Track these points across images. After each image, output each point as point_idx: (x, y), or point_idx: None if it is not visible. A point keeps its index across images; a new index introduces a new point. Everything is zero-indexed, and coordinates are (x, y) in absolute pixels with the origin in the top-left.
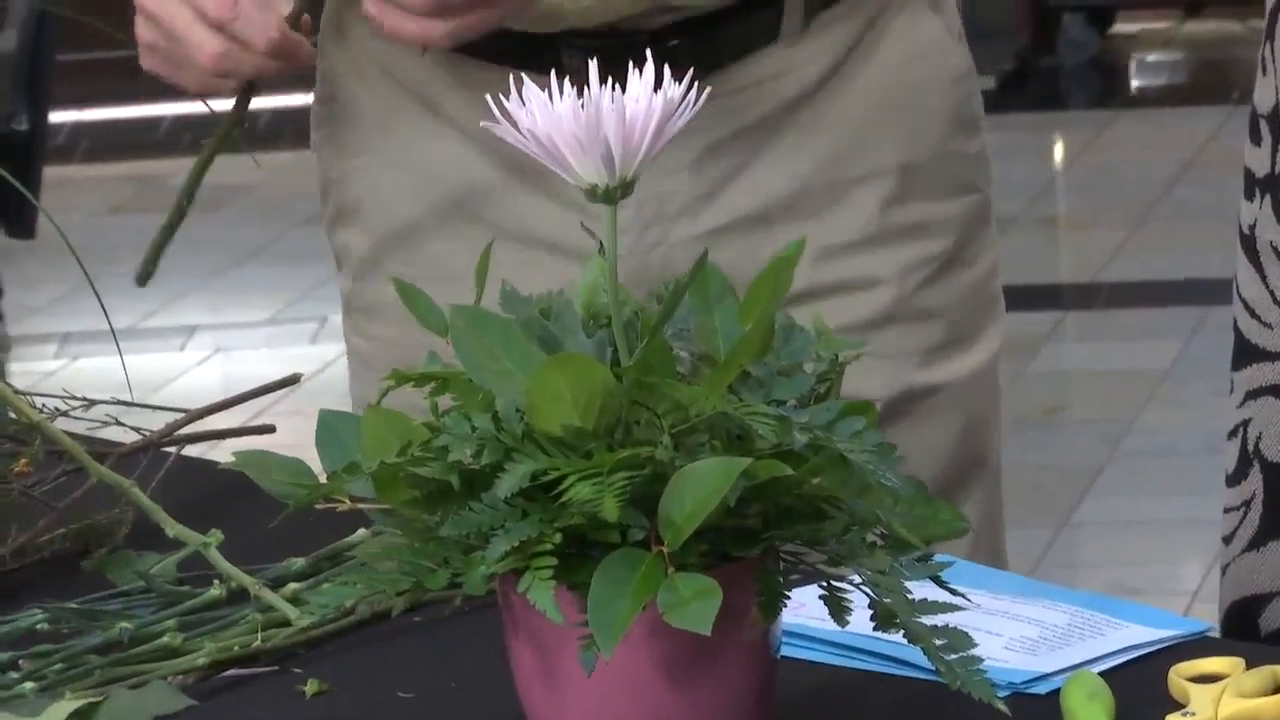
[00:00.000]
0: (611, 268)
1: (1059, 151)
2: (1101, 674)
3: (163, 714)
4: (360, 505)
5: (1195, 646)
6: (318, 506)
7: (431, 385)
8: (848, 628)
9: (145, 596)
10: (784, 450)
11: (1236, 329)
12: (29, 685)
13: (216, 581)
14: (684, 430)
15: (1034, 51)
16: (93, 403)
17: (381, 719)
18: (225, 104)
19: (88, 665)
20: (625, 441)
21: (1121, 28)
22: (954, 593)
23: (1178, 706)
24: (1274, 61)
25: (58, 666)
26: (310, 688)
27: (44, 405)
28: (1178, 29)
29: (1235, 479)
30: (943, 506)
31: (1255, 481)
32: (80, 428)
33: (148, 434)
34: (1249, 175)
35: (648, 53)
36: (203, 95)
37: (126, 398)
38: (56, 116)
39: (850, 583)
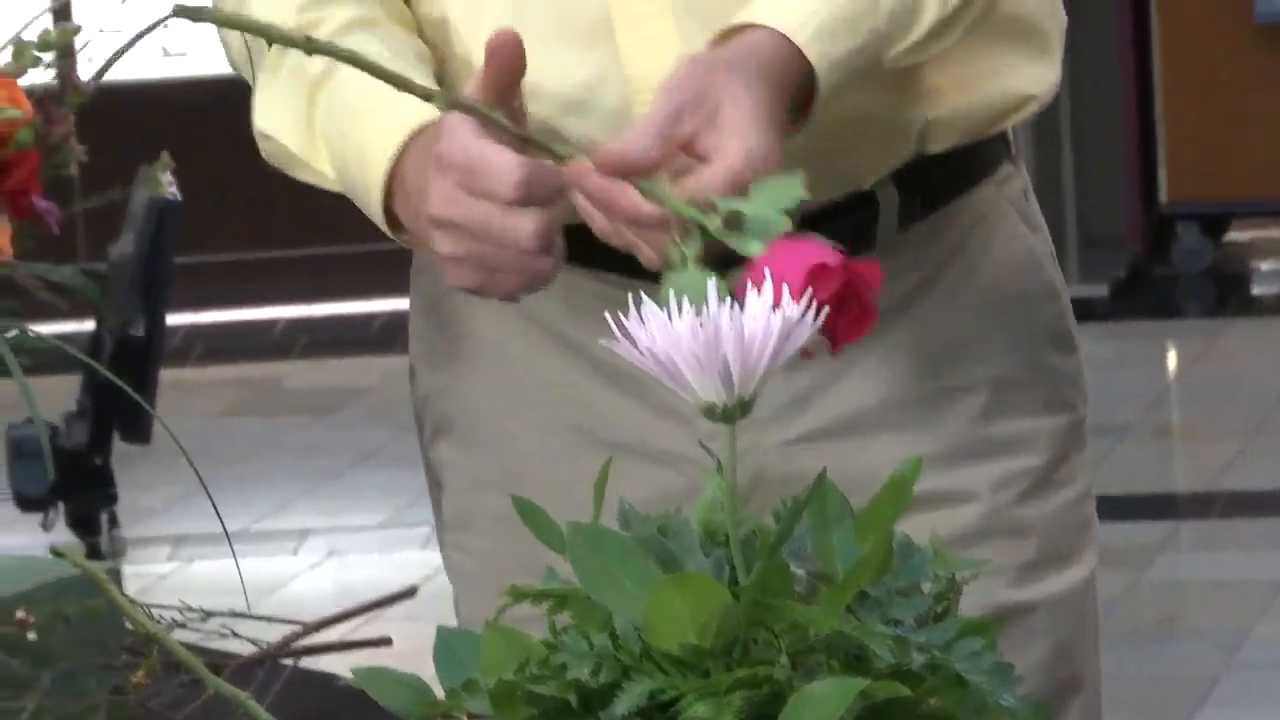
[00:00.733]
0: (730, 486)
1: (1173, 360)
2: None
3: None
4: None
5: None
6: None
7: (549, 603)
8: None
9: None
10: (901, 670)
11: None
12: None
13: None
14: (801, 650)
15: (1148, 260)
16: (209, 614)
17: None
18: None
19: None
20: (743, 661)
21: (1236, 236)
22: None
23: None
24: None
25: None
26: None
27: (160, 616)
28: None
29: None
30: None
31: None
32: (195, 635)
33: (264, 645)
34: None
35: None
36: (528, 290)
37: (241, 601)
38: (172, 319)
39: None
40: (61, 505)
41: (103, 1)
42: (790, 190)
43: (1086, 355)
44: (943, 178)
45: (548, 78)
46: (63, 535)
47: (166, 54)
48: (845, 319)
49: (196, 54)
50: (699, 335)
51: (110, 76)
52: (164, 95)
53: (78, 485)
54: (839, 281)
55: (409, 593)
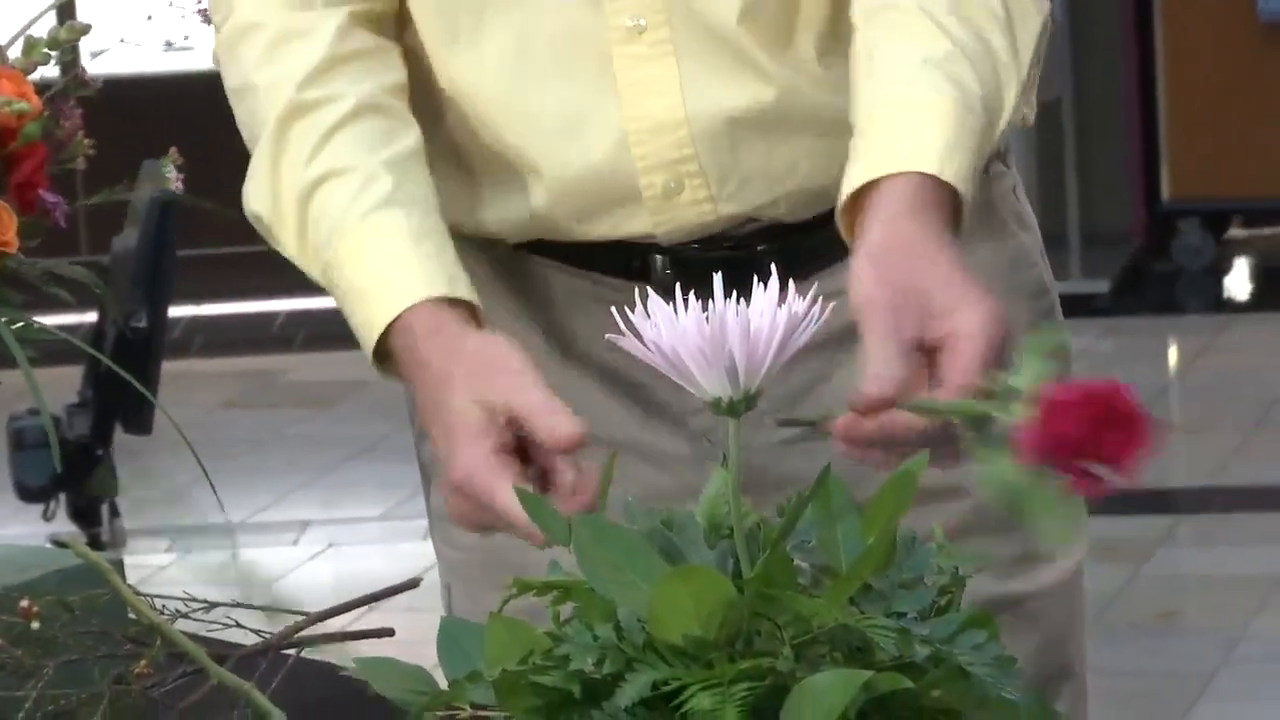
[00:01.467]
0: (735, 480)
1: (1174, 356)
2: None
3: None
4: (481, 714)
5: None
6: (439, 714)
7: (553, 594)
8: None
9: None
10: (905, 662)
11: None
12: None
13: None
14: (805, 642)
15: (1149, 256)
16: (212, 605)
17: None
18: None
19: None
20: (746, 652)
21: (1237, 233)
22: None
23: None
24: None
25: None
26: None
27: (164, 606)
28: None
29: None
30: None
31: None
32: (196, 626)
33: (267, 635)
34: None
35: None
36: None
37: (240, 591)
38: (173, 312)
39: None
40: (63, 496)
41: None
42: (1049, 340)
43: (1088, 350)
44: None
45: (546, 108)
46: (64, 526)
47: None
48: (1116, 440)
49: (200, 48)
50: (705, 330)
51: (113, 70)
52: (167, 89)
53: (80, 476)
54: (1091, 413)
55: (412, 584)
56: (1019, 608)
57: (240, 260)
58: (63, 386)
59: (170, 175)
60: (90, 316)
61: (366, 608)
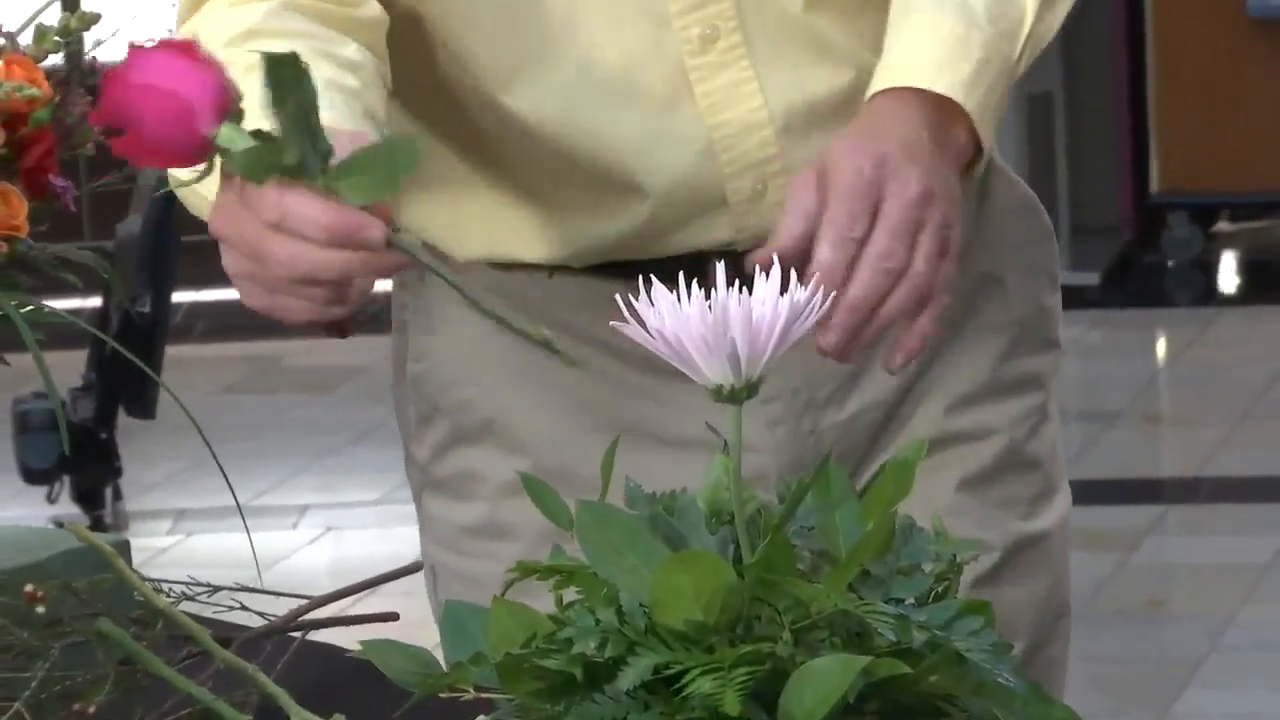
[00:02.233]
0: (735, 466)
1: (1162, 347)
2: None
3: None
4: (484, 694)
5: None
6: (441, 695)
7: (556, 579)
8: None
9: None
10: (902, 648)
11: None
12: None
13: None
14: (804, 627)
15: (1138, 248)
16: (216, 588)
17: None
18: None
19: None
20: (746, 637)
21: (1224, 226)
22: None
23: None
24: None
25: None
26: None
27: (169, 589)
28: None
29: None
30: (1057, 705)
31: None
32: (197, 608)
33: (271, 618)
34: None
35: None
36: (313, 319)
37: (241, 574)
38: (175, 297)
39: None
40: (67, 478)
41: None
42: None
43: (1077, 341)
44: None
45: (623, 129)
46: (67, 508)
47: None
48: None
49: None
50: (707, 318)
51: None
52: None
53: (83, 459)
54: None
55: (415, 567)
56: (1038, 546)
57: None
58: (67, 370)
59: None
60: (94, 302)
61: (366, 591)
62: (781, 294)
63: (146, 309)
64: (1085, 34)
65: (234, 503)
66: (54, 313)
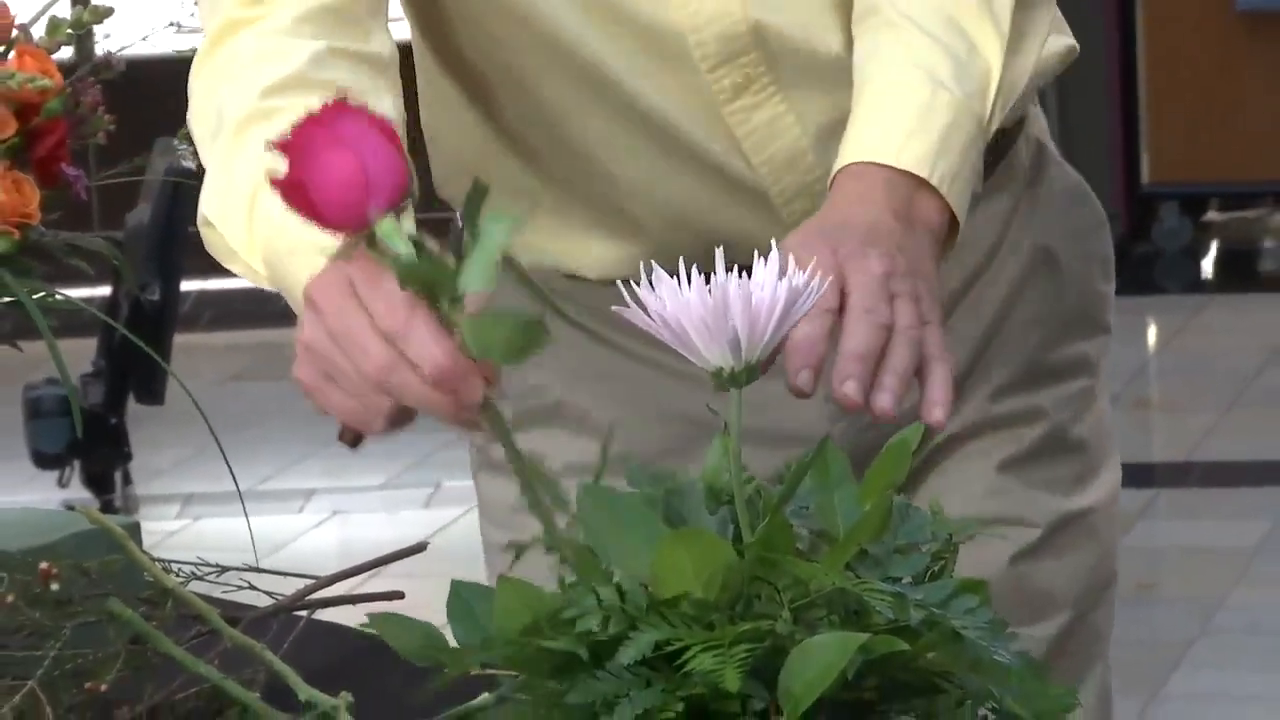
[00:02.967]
0: (735, 447)
1: (1153, 335)
2: None
3: None
4: (488, 670)
5: None
6: (445, 669)
7: (558, 557)
8: None
9: None
10: (900, 626)
11: None
12: None
13: None
14: (803, 605)
15: (1130, 238)
16: (224, 569)
17: None
18: None
19: None
20: (746, 615)
21: (1214, 216)
22: None
23: None
24: None
25: None
26: None
27: (178, 570)
28: (1268, 218)
29: None
30: (1053, 684)
31: None
32: (210, 589)
33: (279, 598)
34: None
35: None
36: (351, 422)
37: (248, 557)
38: (184, 286)
39: None
40: (77, 463)
41: None
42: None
43: None
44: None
45: (664, 187)
46: (78, 493)
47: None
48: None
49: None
50: (708, 303)
51: (125, 52)
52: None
53: (93, 444)
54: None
55: (419, 548)
56: (1082, 522)
57: None
58: (77, 358)
59: (182, 151)
60: (103, 291)
61: (371, 573)
62: (780, 279)
63: (156, 297)
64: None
65: (241, 486)
66: (66, 300)
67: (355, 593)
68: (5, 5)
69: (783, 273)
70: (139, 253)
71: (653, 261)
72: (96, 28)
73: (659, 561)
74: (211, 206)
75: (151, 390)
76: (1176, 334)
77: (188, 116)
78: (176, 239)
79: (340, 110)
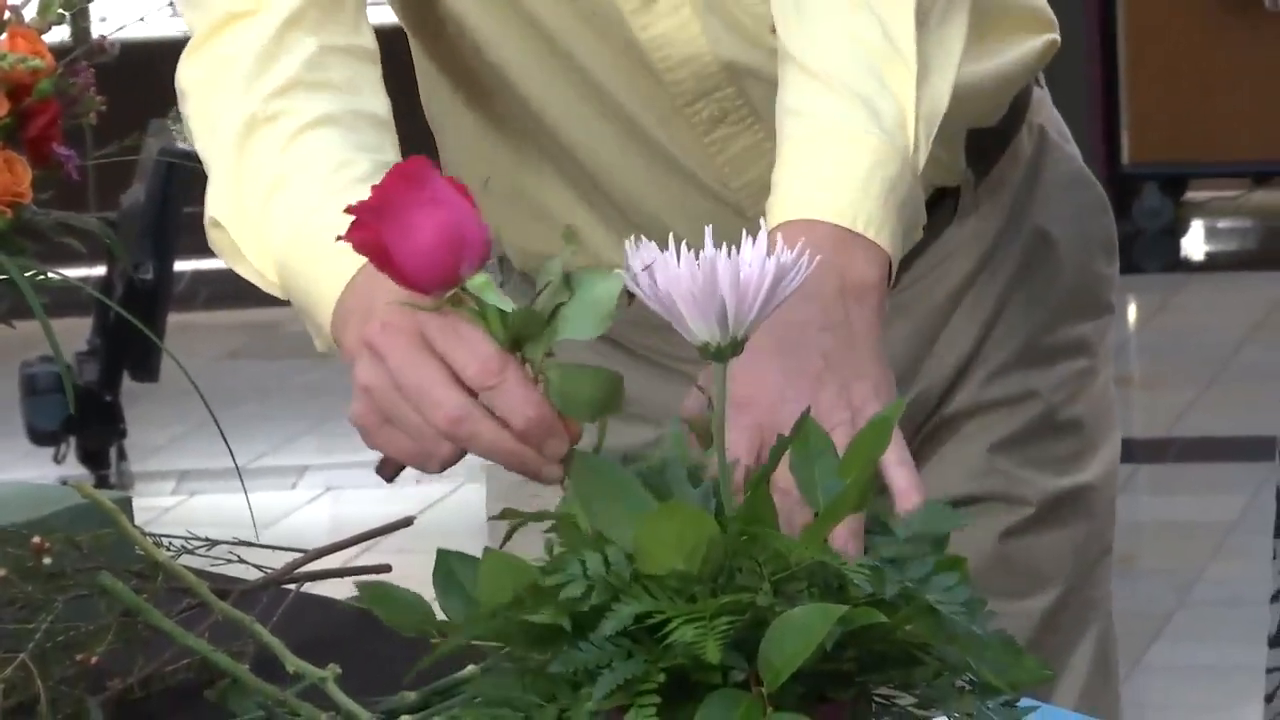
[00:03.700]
0: (719, 421)
1: (1133, 312)
2: None
3: None
4: (475, 641)
5: None
6: (431, 640)
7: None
8: None
9: None
10: (878, 599)
11: (1279, 495)
12: None
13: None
14: (784, 578)
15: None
16: (215, 543)
17: None
18: None
19: None
20: (728, 587)
21: (1193, 195)
22: None
23: None
24: None
25: None
26: None
27: (169, 544)
28: (1246, 197)
29: (1279, 640)
30: (1028, 656)
31: None
32: (202, 563)
33: (268, 571)
34: None
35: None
36: (406, 462)
37: (241, 533)
38: (179, 266)
39: None
40: (73, 440)
41: None
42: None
43: None
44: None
45: (650, 196)
46: (74, 469)
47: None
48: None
49: None
50: (697, 277)
51: (118, 32)
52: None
53: (89, 421)
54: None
55: (406, 523)
56: (1077, 498)
57: None
58: (73, 336)
59: (175, 129)
60: (99, 270)
61: (362, 547)
62: (768, 255)
63: (150, 276)
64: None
65: (236, 464)
66: (63, 278)
67: (344, 566)
68: None
69: (770, 251)
70: (133, 232)
71: (643, 237)
72: (92, 9)
73: (643, 534)
74: (220, 209)
75: (146, 368)
76: (1157, 312)
77: (183, 109)
78: (170, 219)
79: (423, 170)
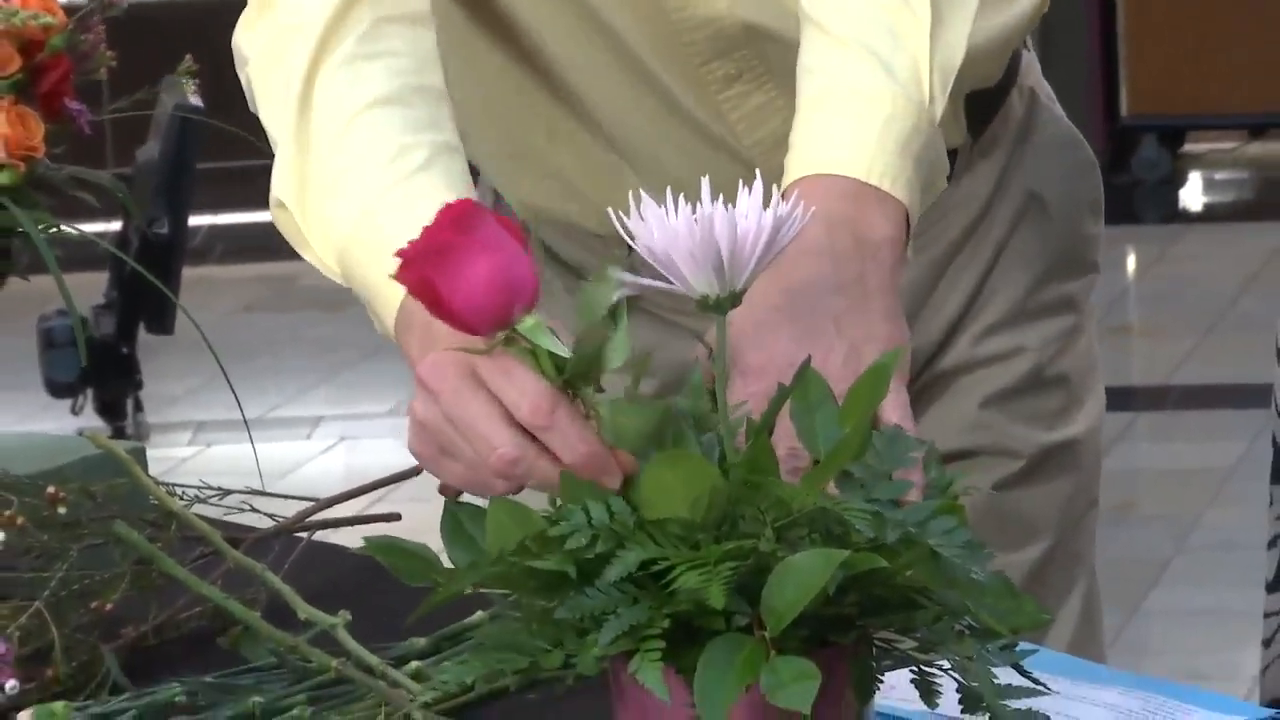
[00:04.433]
0: (721, 371)
1: (1132, 263)
2: None
3: None
4: (480, 589)
5: None
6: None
7: None
8: (937, 709)
9: (277, 672)
10: (879, 544)
11: (1275, 442)
12: None
13: (344, 659)
14: (786, 524)
15: (1109, 169)
16: (227, 492)
17: None
18: None
19: None
20: (731, 534)
21: (1191, 147)
22: (1035, 680)
23: None
24: None
25: None
26: None
27: (183, 493)
28: (1243, 149)
29: (1276, 585)
30: (1026, 599)
31: None
32: (216, 513)
33: (280, 520)
34: None
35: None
36: (466, 490)
37: (256, 483)
38: (195, 220)
39: (939, 668)
40: (90, 391)
41: None
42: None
43: None
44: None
45: (661, 150)
46: (91, 420)
47: None
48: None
49: None
50: (694, 230)
51: None
52: (186, 7)
53: (105, 373)
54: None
55: (415, 472)
56: (1065, 451)
57: (260, 172)
58: (89, 290)
59: (188, 85)
60: (114, 226)
61: (373, 496)
62: (764, 208)
63: (165, 230)
64: None
65: (251, 415)
66: (78, 232)
67: (355, 515)
68: None
69: (767, 202)
70: (148, 188)
71: (641, 190)
72: None
73: (648, 482)
74: (285, 191)
75: (161, 321)
76: (1155, 262)
77: (242, 73)
78: (185, 174)
79: (473, 213)
